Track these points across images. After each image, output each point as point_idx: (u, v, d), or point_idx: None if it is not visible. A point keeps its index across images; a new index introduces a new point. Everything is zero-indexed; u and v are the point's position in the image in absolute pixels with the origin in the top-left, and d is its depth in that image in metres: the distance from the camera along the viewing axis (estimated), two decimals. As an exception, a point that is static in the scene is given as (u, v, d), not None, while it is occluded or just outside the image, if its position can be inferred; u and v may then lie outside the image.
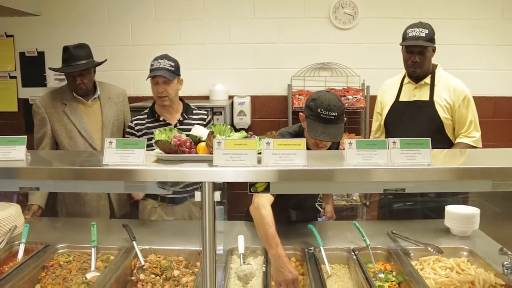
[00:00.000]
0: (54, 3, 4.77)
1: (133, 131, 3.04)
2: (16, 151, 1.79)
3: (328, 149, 2.49)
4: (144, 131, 3.02)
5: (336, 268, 2.25)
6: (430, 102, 2.99)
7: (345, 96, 4.42)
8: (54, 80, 4.76)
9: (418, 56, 2.95)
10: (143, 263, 2.23)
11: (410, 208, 3.11)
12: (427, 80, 3.04)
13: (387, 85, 3.30)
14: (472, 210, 2.54)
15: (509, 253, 2.08)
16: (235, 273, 2.13)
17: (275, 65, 4.73)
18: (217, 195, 1.58)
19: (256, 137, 1.68)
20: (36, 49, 4.86)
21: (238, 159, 1.57)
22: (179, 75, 3.02)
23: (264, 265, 2.17)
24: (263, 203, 2.18)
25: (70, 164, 1.83)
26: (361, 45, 4.67)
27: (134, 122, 3.07)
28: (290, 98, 4.55)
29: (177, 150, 1.69)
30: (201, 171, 1.57)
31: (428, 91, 3.02)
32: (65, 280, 2.13)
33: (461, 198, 2.87)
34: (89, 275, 2.16)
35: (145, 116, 3.08)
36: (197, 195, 1.59)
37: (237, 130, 1.89)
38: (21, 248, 2.35)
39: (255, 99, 4.78)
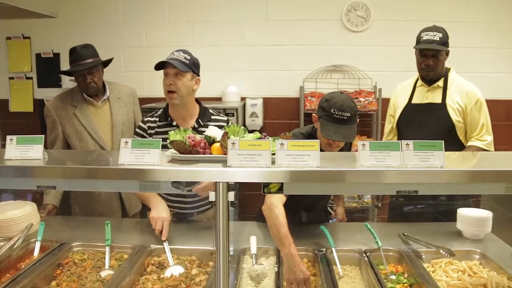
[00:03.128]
0: (70, 5, 4.85)
1: (144, 133, 2.76)
2: (34, 150, 1.83)
3: (340, 150, 2.50)
4: (153, 136, 2.73)
5: (348, 269, 2.26)
6: (443, 105, 3.01)
7: (357, 98, 4.43)
8: (69, 81, 4.81)
9: (431, 60, 2.97)
10: (172, 263, 2.26)
11: (422, 211, 3.12)
12: (440, 83, 3.05)
13: (400, 87, 3.33)
14: (485, 213, 2.53)
15: (522, 256, 2.08)
16: (247, 273, 2.15)
17: (287, 67, 4.77)
18: (231, 195, 1.60)
19: (270, 138, 1.70)
20: (52, 50, 4.96)
21: (252, 160, 1.58)
22: (194, 72, 2.68)
23: (276, 265, 2.18)
24: (275, 203, 2.20)
25: (85, 163, 1.87)
26: (374, 48, 4.70)
27: (148, 124, 2.77)
28: (302, 100, 4.58)
29: (191, 151, 1.71)
30: (216, 172, 1.59)
31: (441, 94, 3.04)
32: (80, 277, 2.16)
33: (473, 201, 2.87)
34: (103, 273, 2.18)
35: (157, 118, 2.78)
36: (211, 195, 1.60)
37: (249, 132, 1.90)
38: (37, 245, 2.39)
39: (267, 101, 4.82)
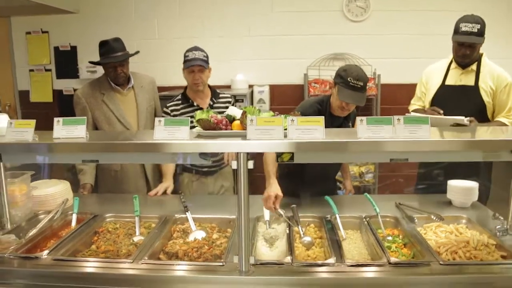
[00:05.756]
0: (87, 1, 5.12)
1: (169, 116, 3.34)
2: (78, 130, 2.13)
3: (345, 126, 2.88)
4: (178, 116, 3.33)
5: (350, 233, 2.54)
6: (476, 87, 3.25)
7: (357, 84, 4.69)
8: (86, 72, 5.12)
9: (468, 49, 3.18)
10: (194, 228, 2.55)
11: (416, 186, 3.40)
12: (473, 66, 3.28)
13: (433, 68, 3.52)
14: (471, 184, 2.82)
15: (501, 217, 2.37)
16: (262, 235, 2.44)
17: (292, 55, 5.04)
18: (250, 164, 1.91)
19: (282, 115, 2.00)
20: (69, 43, 5.24)
21: (267, 134, 1.89)
22: (209, 64, 3.36)
23: (287, 229, 2.48)
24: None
25: (123, 140, 2.17)
26: (373, 36, 4.95)
27: (170, 108, 3.40)
28: (306, 86, 4.87)
29: (215, 127, 2.01)
30: (237, 144, 1.90)
31: (474, 77, 3.27)
32: (115, 242, 2.44)
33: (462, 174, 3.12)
34: (135, 239, 2.47)
35: (179, 101, 3.42)
36: (234, 164, 1.92)
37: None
38: (74, 217, 2.69)
39: (273, 88, 5.10)
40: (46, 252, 2.20)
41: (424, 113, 3.28)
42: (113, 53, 3.31)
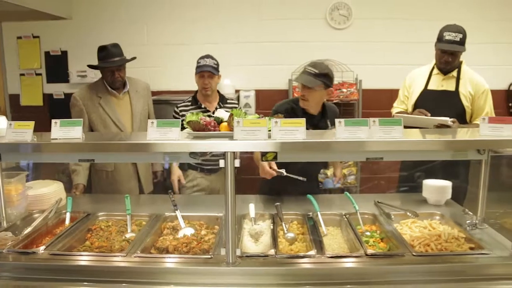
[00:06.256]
0: (78, 6, 5.22)
1: (178, 116, 3.70)
2: (75, 131, 2.24)
3: (321, 125, 3.09)
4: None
5: (331, 229, 2.68)
6: (456, 92, 3.47)
7: (340, 89, 4.86)
8: (76, 76, 5.22)
9: (450, 57, 3.41)
10: (183, 225, 2.67)
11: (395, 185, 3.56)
12: (454, 73, 3.51)
13: (417, 73, 3.73)
14: (445, 183, 3.00)
15: (470, 213, 2.55)
16: (248, 231, 2.58)
17: (277, 61, 5.19)
18: (237, 162, 2.06)
19: (266, 117, 2.15)
20: (60, 48, 5.32)
21: (253, 135, 2.04)
22: (219, 71, 3.69)
23: (271, 225, 2.63)
24: None
25: (118, 140, 2.30)
26: (355, 43, 5.12)
27: (180, 108, 3.75)
28: (290, 91, 5.03)
29: (204, 129, 2.16)
30: (225, 143, 2.05)
31: (455, 83, 3.49)
32: (108, 239, 2.57)
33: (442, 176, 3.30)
34: (127, 235, 2.58)
35: (189, 103, 3.77)
36: (221, 162, 2.07)
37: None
38: (68, 216, 2.80)
39: (259, 93, 5.24)
40: (42, 247, 2.31)
41: (411, 115, 3.48)
42: (111, 58, 3.44)
